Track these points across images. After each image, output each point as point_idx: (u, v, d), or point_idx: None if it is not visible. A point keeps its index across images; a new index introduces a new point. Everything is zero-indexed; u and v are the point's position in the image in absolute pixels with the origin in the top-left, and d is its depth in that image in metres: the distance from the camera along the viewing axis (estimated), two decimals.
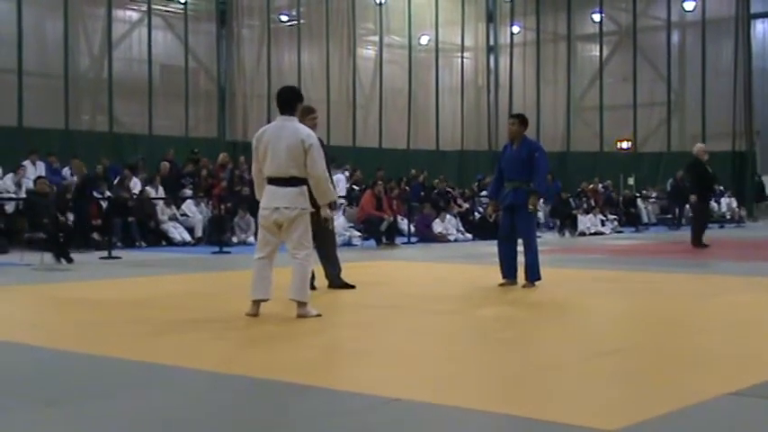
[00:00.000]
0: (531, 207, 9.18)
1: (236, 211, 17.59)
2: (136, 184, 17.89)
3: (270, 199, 6.95)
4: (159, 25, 23.11)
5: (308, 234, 7.03)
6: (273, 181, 6.95)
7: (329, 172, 7.62)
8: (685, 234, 17.54)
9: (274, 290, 7.08)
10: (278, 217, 6.90)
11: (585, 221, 22.28)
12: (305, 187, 6.96)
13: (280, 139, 6.91)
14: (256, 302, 6.99)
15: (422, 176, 23.38)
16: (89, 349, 5.68)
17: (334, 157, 15.96)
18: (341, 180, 20.86)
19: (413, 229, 19.08)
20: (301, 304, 6.94)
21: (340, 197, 20.04)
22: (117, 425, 3.92)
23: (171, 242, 16.95)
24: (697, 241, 15.76)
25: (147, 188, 17.63)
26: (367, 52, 28.07)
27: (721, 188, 27.40)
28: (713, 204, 27.45)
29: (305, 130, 7.06)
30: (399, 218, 19.29)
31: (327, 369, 5.14)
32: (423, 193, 21.71)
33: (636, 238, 20.71)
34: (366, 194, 18.23)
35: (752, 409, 4.19)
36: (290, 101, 7.12)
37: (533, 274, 9.24)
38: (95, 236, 15.72)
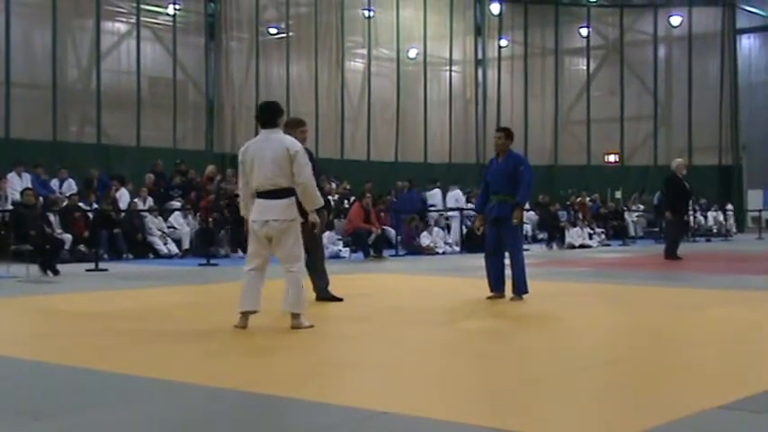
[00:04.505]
0: (515, 220, 9.21)
1: (224, 223, 17.55)
2: (123, 196, 17.89)
3: (259, 212, 6.98)
4: (148, 37, 23.11)
5: (299, 245, 7.07)
6: (262, 194, 6.98)
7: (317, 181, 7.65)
8: None
9: (264, 302, 7.10)
10: (268, 230, 6.94)
11: (573, 234, 22.35)
12: (293, 198, 7.01)
13: (265, 151, 6.97)
14: (245, 314, 7.01)
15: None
16: (75, 362, 5.65)
17: (323, 169, 16.01)
18: (459, 196, 21.48)
19: (400, 239, 19.18)
20: (295, 315, 6.98)
21: (451, 209, 20.83)
22: None
23: (158, 254, 16.91)
24: (671, 254, 15.96)
25: (136, 200, 17.61)
26: (355, 65, 28.12)
27: (701, 202, 27.57)
28: (699, 218, 27.64)
29: (289, 139, 7.14)
30: (388, 228, 19.37)
31: (314, 382, 5.13)
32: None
33: (623, 251, 20.78)
34: (354, 207, 18.23)
35: (737, 423, 4.20)
36: (273, 116, 7.19)
37: (521, 287, 9.26)
38: (82, 248, 15.68)
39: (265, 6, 25.62)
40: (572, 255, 19.19)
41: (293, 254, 6.99)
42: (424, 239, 19.21)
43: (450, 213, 21.43)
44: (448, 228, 21.13)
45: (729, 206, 30.24)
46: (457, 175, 25.79)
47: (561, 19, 31.96)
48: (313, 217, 7.28)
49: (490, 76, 31.50)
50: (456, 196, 22.39)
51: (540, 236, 23.37)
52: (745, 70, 32.24)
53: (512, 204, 9.19)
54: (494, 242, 9.40)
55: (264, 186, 6.96)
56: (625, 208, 27.31)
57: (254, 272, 7.05)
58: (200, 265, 14.93)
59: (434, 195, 22.87)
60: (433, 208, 22.10)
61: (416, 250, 18.82)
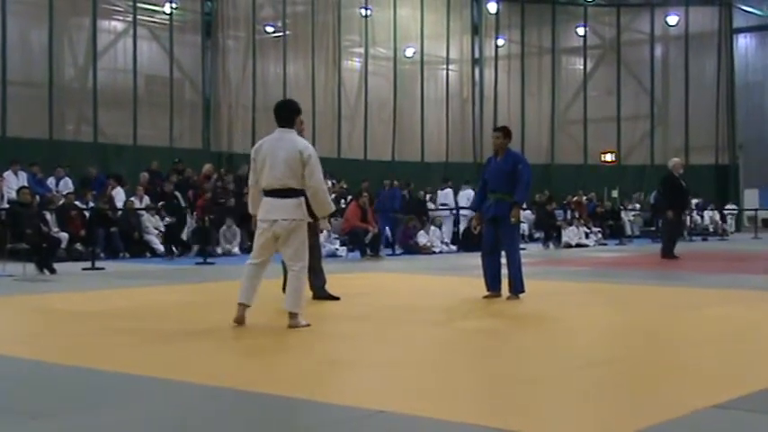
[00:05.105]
0: (512, 219, 9.21)
1: (221, 221, 17.55)
2: (119, 194, 17.87)
3: (268, 211, 7.01)
4: (144, 36, 23.10)
5: (305, 246, 7.10)
6: (271, 193, 7.00)
7: None
8: None
9: (263, 301, 7.13)
10: (276, 229, 6.97)
11: (570, 233, 22.36)
12: (302, 198, 7.04)
13: (278, 150, 6.99)
14: (243, 306, 7.03)
15: (407, 188, 23.42)
16: (73, 361, 5.65)
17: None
18: (471, 195, 21.84)
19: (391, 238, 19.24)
20: (292, 315, 7.01)
21: (464, 208, 21.47)
22: None
23: (155, 253, 16.91)
24: (668, 253, 15.99)
25: (132, 199, 17.60)
26: (352, 64, 28.12)
27: (697, 201, 27.64)
28: (696, 217, 27.69)
29: (302, 141, 7.16)
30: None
31: (312, 381, 5.14)
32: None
33: (619, 250, 20.80)
34: (351, 206, 18.23)
35: (733, 422, 4.22)
36: (290, 115, 7.20)
37: (517, 287, 9.26)
38: (79, 246, 15.67)
39: (262, 5, 25.63)
40: (568, 254, 19.21)
41: (298, 253, 7.03)
42: (421, 238, 19.22)
43: (463, 212, 21.67)
44: (455, 224, 21.38)
45: (732, 206, 30.27)
46: (454, 175, 25.76)
47: (558, 18, 31.99)
48: (324, 224, 7.30)
49: (487, 75, 31.51)
50: (468, 195, 22.53)
51: (537, 235, 23.39)
52: (741, 70, 32.29)
53: (509, 203, 9.20)
54: (491, 241, 9.40)
55: (273, 186, 6.98)
56: (621, 207, 27.34)
57: (255, 266, 7.10)
58: (197, 263, 14.93)
59: (447, 195, 23.08)
60: (444, 207, 22.39)
61: (413, 249, 18.83)
